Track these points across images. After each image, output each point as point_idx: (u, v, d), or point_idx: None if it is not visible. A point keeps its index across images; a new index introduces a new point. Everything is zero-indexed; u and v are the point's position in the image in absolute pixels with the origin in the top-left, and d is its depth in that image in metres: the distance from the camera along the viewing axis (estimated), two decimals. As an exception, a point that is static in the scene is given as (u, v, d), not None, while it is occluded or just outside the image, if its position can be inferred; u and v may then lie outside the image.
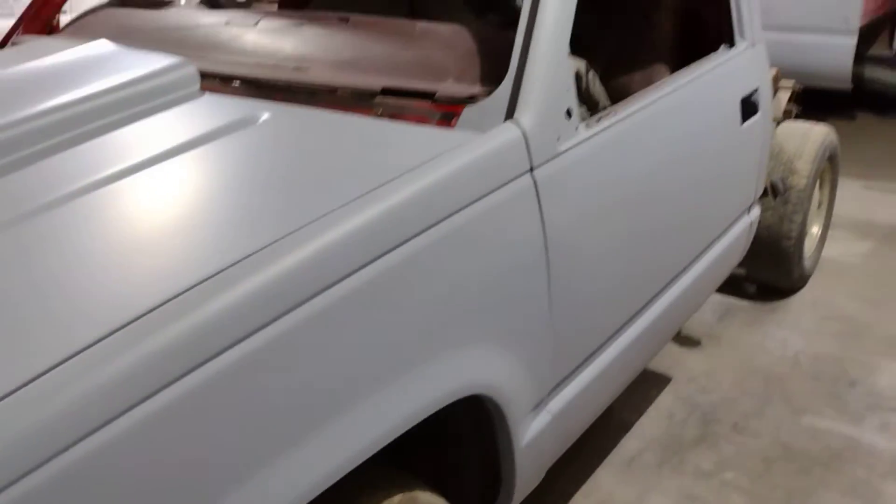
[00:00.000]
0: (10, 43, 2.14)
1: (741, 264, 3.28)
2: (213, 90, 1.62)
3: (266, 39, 1.82)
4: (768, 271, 3.23)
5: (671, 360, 2.90)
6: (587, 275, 1.60)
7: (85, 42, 1.83)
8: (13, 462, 0.80)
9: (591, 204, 1.60)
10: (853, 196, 4.43)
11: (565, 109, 1.55)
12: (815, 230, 3.44)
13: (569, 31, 1.56)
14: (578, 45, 2.33)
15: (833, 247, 3.72)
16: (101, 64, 1.61)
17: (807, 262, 3.31)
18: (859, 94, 5.85)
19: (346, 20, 1.86)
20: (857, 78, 5.66)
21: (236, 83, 1.67)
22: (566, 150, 1.53)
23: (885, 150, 5.33)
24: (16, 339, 0.92)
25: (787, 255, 3.10)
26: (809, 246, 3.38)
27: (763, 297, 3.33)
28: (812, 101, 5.38)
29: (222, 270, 1.03)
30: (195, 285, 1.00)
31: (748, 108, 2.24)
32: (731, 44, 2.23)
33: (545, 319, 1.50)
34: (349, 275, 1.12)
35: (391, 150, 1.37)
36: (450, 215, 1.29)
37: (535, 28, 1.51)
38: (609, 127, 1.68)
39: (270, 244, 1.09)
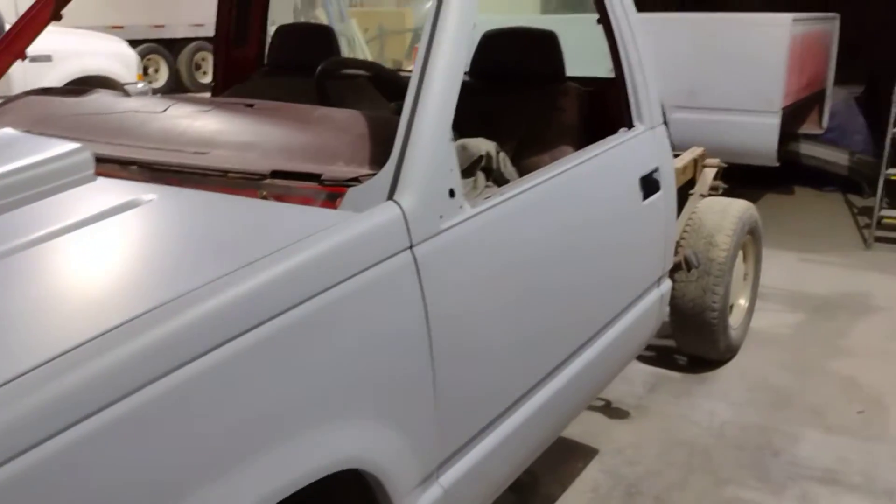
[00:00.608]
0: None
1: (671, 336, 3.35)
2: (109, 174, 1.68)
3: (171, 125, 1.89)
4: (696, 343, 3.29)
5: (599, 431, 2.92)
6: (473, 350, 1.64)
7: (2, 127, 1.90)
8: None
9: (477, 279, 1.65)
10: (787, 268, 4.56)
11: (448, 189, 1.61)
12: (741, 302, 3.53)
13: (450, 117, 1.64)
14: (491, 127, 2.45)
15: (764, 318, 3.81)
16: (1, 150, 1.67)
17: (734, 334, 3.39)
18: (796, 169, 6.09)
19: (252, 106, 1.94)
20: (793, 155, 5.91)
21: (133, 168, 1.73)
22: (448, 228, 1.59)
23: (820, 222, 5.51)
24: None
25: (712, 326, 3.17)
26: (737, 318, 3.46)
27: (693, 369, 3.39)
28: (752, 176, 5.60)
29: (84, 343, 1.06)
30: (64, 353, 1.04)
31: (649, 185, 2.34)
32: (630, 126, 2.35)
33: (428, 394, 1.53)
34: (219, 346, 1.15)
35: (269, 228, 1.42)
36: (325, 290, 1.33)
37: (416, 114, 1.59)
38: (497, 205, 1.75)
39: (135, 318, 1.12)
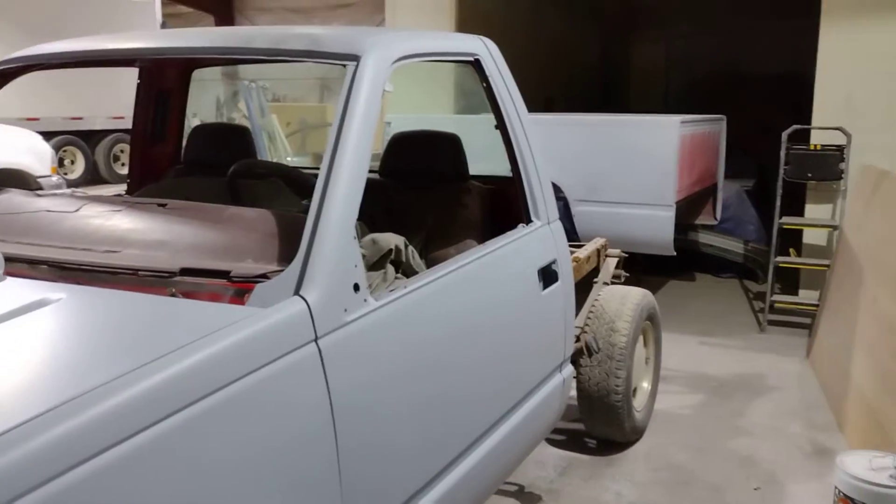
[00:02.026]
0: None
1: (579, 420, 3.46)
2: (19, 274, 1.71)
3: (83, 224, 1.95)
4: (602, 426, 3.42)
5: (511, 518, 2.97)
6: (378, 436, 1.71)
7: None
8: None
9: (381, 370, 1.74)
10: (689, 351, 4.79)
11: (353, 284, 1.71)
12: (644, 385, 3.69)
13: (355, 215, 1.75)
14: (400, 222, 2.58)
15: (667, 399, 3.98)
16: None
17: (639, 416, 3.53)
18: (696, 257, 6.45)
19: (164, 205, 2.02)
20: (691, 244, 6.27)
21: (44, 267, 1.77)
22: (353, 321, 1.68)
23: (719, 307, 5.82)
24: None
25: (617, 409, 3.30)
26: (640, 400, 3.61)
27: (602, 451, 3.50)
28: (656, 264, 5.89)
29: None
30: None
31: (548, 276, 2.49)
32: (528, 221, 2.51)
33: (334, 481, 1.58)
34: (122, 441, 1.19)
35: (175, 325, 1.48)
36: (230, 383, 1.39)
37: (322, 212, 1.70)
38: (401, 297, 1.85)
39: (45, 412, 1.16)
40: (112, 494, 1.16)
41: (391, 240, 2.19)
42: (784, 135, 5.28)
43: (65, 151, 11.89)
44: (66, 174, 10.97)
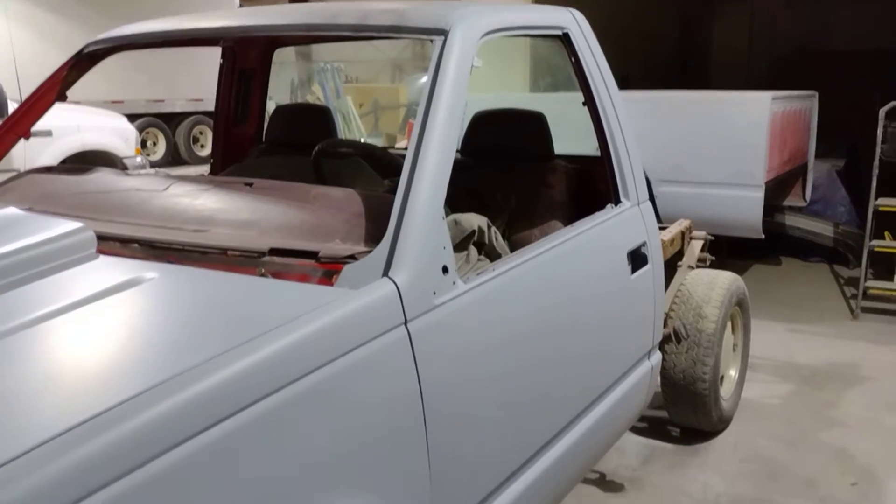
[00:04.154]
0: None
1: (663, 407, 3.36)
2: (111, 252, 1.72)
3: (172, 203, 1.95)
4: (688, 414, 3.30)
5: (593, 505, 2.90)
6: (466, 424, 1.67)
7: (5, 206, 1.95)
8: None
9: (470, 354, 1.69)
10: (776, 338, 4.60)
11: (441, 266, 1.66)
12: (732, 373, 3.55)
13: (443, 196, 1.70)
14: (482, 203, 2.52)
15: (754, 388, 3.83)
16: (5, 229, 1.71)
17: (725, 405, 3.40)
18: (783, 240, 6.19)
19: (250, 185, 2.01)
20: (778, 226, 6.01)
21: (135, 246, 1.78)
22: (442, 304, 1.64)
23: (808, 293, 5.58)
24: None
25: (704, 398, 3.18)
26: (728, 388, 3.48)
27: (686, 440, 3.38)
28: (740, 248, 5.69)
29: (85, 422, 1.08)
30: (65, 432, 1.06)
31: (637, 259, 2.39)
32: (617, 202, 2.42)
33: (423, 468, 1.55)
34: (219, 422, 1.18)
35: (266, 306, 1.46)
36: (322, 365, 1.36)
37: (411, 193, 1.66)
38: (489, 280, 1.80)
39: (142, 392, 1.15)
40: (204, 478, 1.15)
41: (474, 221, 2.14)
42: (881, 111, 4.99)
43: (147, 133, 12.24)
44: (148, 155, 11.29)
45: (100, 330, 1.40)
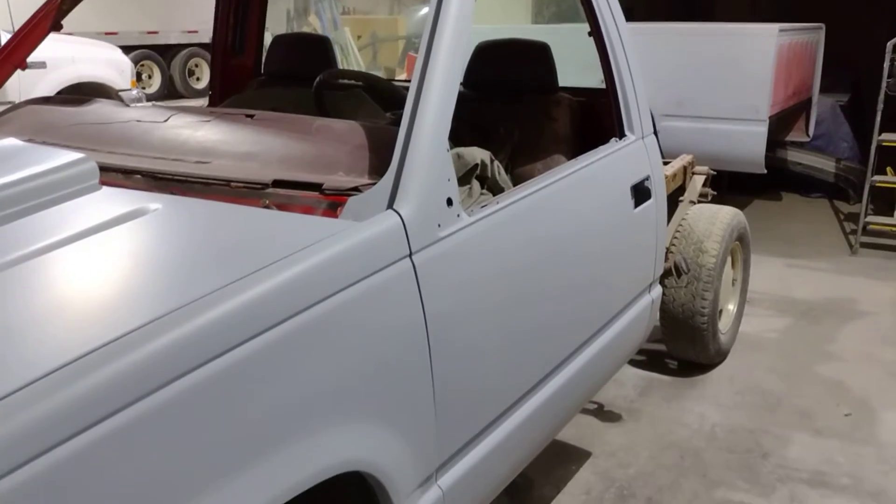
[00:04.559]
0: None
1: (661, 341, 3.40)
2: (114, 184, 1.71)
3: (173, 135, 1.93)
4: (686, 347, 3.35)
5: (592, 434, 2.97)
6: (470, 355, 1.68)
7: (5, 137, 1.93)
8: None
9: (473, 286, 1.70)
10: (775, 273, 4.63)
11: (446, 198, 1.65)
12: (730, 307, 3.58)
13: (447, 129, 1.68)
14: (485, 136, 2.50)
15: (752, 323, 3.87)
16: (6, 160, 1.70)
17: (723, 338, 3.44)
18: (783, 176, 6.17)
19: (252, 116, 1.98)
20: (780, 161, 5.98)
21: (137, 177, 1.76)
22: (446, 236, 1.64)
23: (807, 228, 5.59)
24: None
25: (702, 331, 3.22)
26: (726, 322, 3.52)
27: (684, 373, 3.44)
28: (740, 183, 5.67)
29: (92, 351, 1.09)
30: (72, 361, 1.07)
31: (640, 194, 2.39)
32: (621, 136, 2.40)
33: (428, 398, 1.57)
34: (225, 352, 1.19)
35: (272, 237, 1.46)
36: (328, 296, 1.37)
37: (415, 124, 1.64)
38: (493, 213, 1.79)
39: (153, 321, 1.16)
40: (210, 408, 1.16)
41: (476, 154, 2.12)
42: (889, 45, 4.91)
43: (142, 66, 12.04)
44: (143, 88, 11.13)
45: (105, 261, 1.40)
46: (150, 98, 10.01)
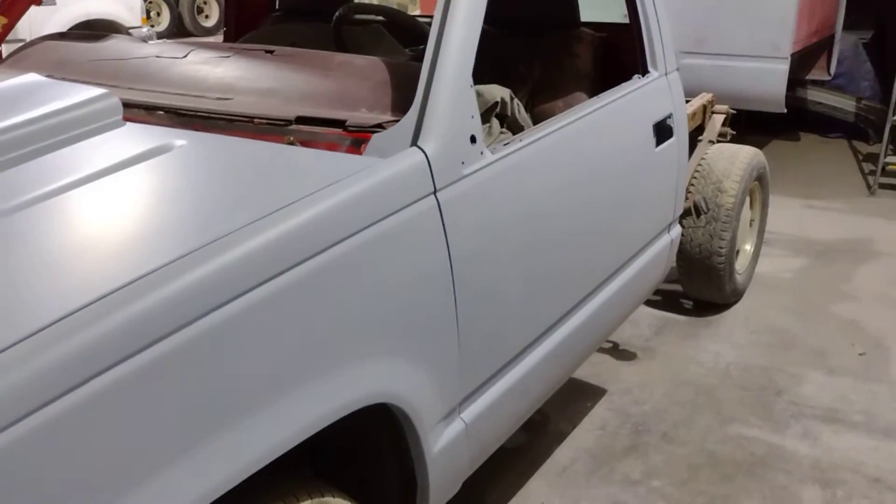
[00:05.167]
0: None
1: (677, 280, 3.41)
2: (136, 120, 1.71)
3: (193, 71, 1.91)
4: (702, 287, 3.35)
5: (607, 372, 3.00)
6: (493, 291, 1.70)
7: (19, 74, 1.91)
8: None
9: (497, 223, 1.70)
10: (792, 214, 4.60)
11: (469, 135, 1.65)
12: (747, 247, 3.58)
13: (471, 65, 1.66)
14: (505, 73, 2.47)
15: (768, 263, 3.87)
16: (28, 96, 1.69)
17: (740, 278, 3.44)
18: (803, 115, 6.08)
19: (272, 52, 1.96)
20: (799, 101, 5.89)
21: (160, 113, 1.76)
22: (470, 174, 1.63)
23: (826, 169, 5.53)
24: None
25: (719, 271, 3.23)
26: (742, 262, 3.52)
27: (699, 312, 3.45)
28: (758, 122, 5.59)
29: (129, 283, 1.11)
30: (99, 298, 1.08)
31: (662, 132, 2.36)
32: (644, 73, 2.36)
33: (452, 333, 1.59)
34: (257, 286, 1.21)
35: (298, 174, 1.46)
36: (355, 233, 1.38)
37: (438, 62, 1.62)
38: (516, 151, 1.78)
39: (182, 257, 1.17)
40: (237, 345, 1.18)
41: (496, 92, 2.10)
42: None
43: (150, 3, 11.83)
44: (152, 26, 10.98)
45: (131, 198, 1.40)
46: (159, 36, 9.88)
